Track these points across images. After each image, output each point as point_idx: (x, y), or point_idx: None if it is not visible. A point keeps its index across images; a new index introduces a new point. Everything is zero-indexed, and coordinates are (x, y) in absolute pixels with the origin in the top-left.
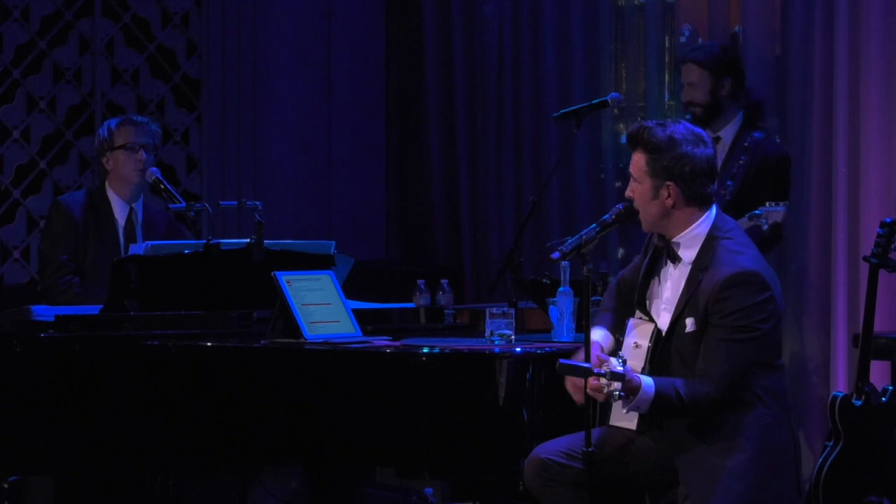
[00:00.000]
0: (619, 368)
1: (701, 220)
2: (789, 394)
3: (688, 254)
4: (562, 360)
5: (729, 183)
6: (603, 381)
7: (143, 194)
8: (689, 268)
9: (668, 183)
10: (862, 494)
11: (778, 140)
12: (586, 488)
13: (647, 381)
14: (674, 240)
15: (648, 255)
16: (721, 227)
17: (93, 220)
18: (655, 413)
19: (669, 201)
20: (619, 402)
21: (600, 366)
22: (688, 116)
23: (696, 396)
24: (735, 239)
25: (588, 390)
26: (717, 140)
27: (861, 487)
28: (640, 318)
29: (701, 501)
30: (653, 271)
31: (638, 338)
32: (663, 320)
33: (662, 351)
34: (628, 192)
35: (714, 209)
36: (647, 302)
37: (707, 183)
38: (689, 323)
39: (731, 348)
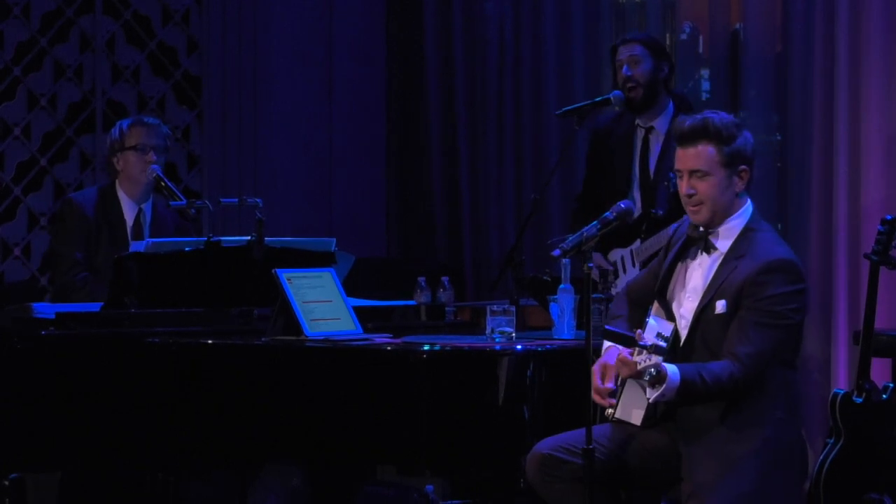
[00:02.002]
0: (662, 343)
1: (740, 211)
2: (801, 397)
3: (723, 244)
4: (608, 326)
5: (672, 175)
6: (643, 355)
7: (152, 195)
8: (721, 256)
9: (743, 168)
10: (862, 491)
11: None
12: (587, 484)
13: (671, 368)
14: (711, 230)
15: (678, 245)
16: (758, 221)
17: (104, 218)
18: (681, 400)
19: (740, 186)
20: (625, 396)
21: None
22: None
23: (719, 378)
24: (771, 234)
25: (618, 360)
26: (650, 130)
27: (861, 484)
28: (658, 318)
29: (706, 492)
30: (677, 262)
31: (655, 337)
32: (686, 308)
33: (686, 339)
34: (688, 189)
35: (751, 203)
36: (670, 293)
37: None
38: (720, 305)
39: (761, 333)
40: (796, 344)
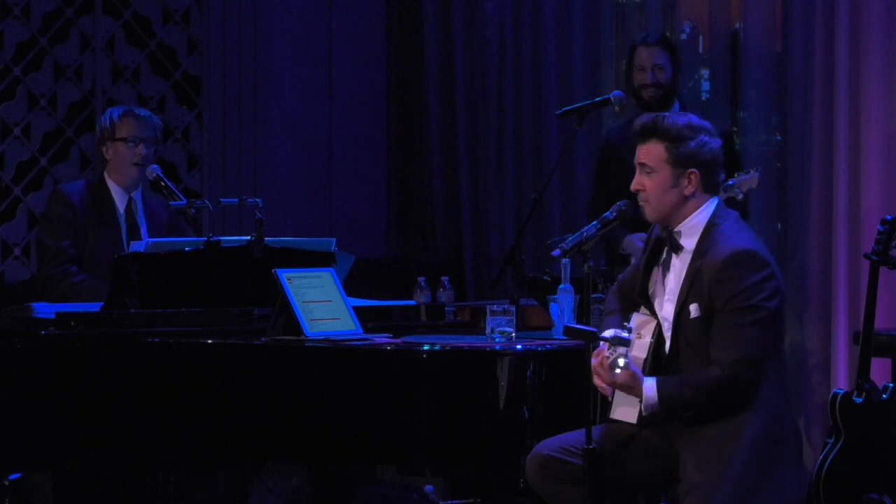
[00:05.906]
0: (626, 334)
1: (702, 208)
2: (790, 380)
3: (689, 242)
4: (568, 323)
5: None
6: (608, 350)
7: (141, 185)
8: (689, 255)
9: (692, 170)
10: (862, 491)
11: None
12: (587, 485)
13: (648, 384)
14: (675, 229)
15: (649, 248)
16: (720, 215)
17: (93, 207)
18: (670, 414)
19: (689, 189)
20: (619, 394)
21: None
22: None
23: (706, 388)
24: (731, 224)
25: (593, 366)
26: None
27: (861, 484)
28: (643, 313)
29: (704, 491)
30: (653, 263)
31: (640, 330)
32: (667, 311)
33: (670, 342)
34: (636, 185)
35: (717, 198)
36: (650, 294)
37: (721, 171)
38: (694, 309)
39: (742, 333)
40: (780, 330)
